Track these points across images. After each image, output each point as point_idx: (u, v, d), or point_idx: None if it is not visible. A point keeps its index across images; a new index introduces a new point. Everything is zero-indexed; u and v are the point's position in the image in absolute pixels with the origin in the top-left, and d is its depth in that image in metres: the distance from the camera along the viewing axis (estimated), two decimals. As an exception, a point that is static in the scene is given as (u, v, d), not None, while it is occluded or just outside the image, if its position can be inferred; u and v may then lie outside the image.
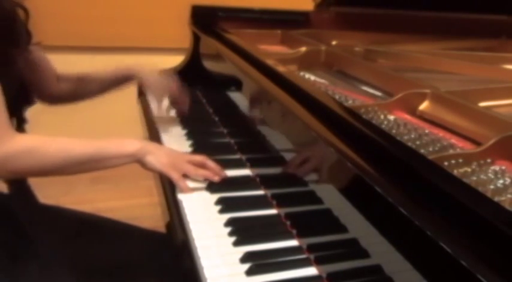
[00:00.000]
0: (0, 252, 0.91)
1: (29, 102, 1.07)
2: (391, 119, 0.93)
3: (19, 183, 1.06)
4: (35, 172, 0.94)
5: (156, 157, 0.96)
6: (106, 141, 0.95)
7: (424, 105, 0.97)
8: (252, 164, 1.07)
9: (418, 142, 0.82)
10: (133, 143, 0.96)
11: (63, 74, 1.24)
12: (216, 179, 0.97)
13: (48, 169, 0.89)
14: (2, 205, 1.01)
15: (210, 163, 0.99)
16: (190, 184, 0.97)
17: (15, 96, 0.97)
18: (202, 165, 0.99)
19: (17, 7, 0.96)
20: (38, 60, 1.11)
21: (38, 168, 0.88)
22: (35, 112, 1.13)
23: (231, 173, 1.02)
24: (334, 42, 1.53)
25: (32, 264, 0.92)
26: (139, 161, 0.96)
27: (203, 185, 0.98)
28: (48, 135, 0.94)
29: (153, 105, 1.45)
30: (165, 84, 1.27)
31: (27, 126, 1.08)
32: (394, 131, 0.87)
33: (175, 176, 0.96)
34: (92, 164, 0.92)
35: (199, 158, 1.00)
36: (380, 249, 0.66)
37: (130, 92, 1.66)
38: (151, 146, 0.99)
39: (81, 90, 1.28)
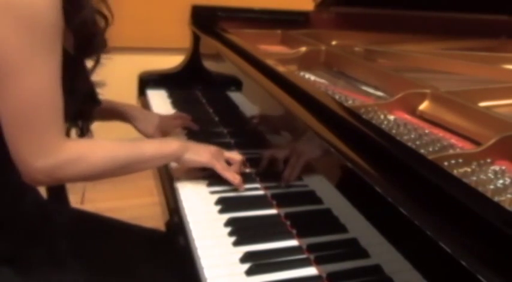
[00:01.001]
0: (32, 258, 0.90)
1: (96, 102, 1.05)
2: (391, 119, 0.93)
3: (58, 188, 1.04)
4: (78, 179, 0.89)
5: (196, 152, 0.97)
6: (147, 142, 0.97)
7: (424, 105, 0.97)
8: (252, 164, 1.07)
9: (418, 142, 0.82)
10: (172, 142, 0.98)
11: None
12: (242, 188, 0.97)
13: (92, 175, 0.86)
14: (41, 211, 0.99)
15: (237, 166, 1.00)
16: (191, 184, 0.97)
17: (85, 98, 0.95)
18: (233, 162, 1.00)
19: (96, 15, 0.93)
20: None
21: (83, 175, 0.85)
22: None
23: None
24: (334, 42, 1.53)
25: (53, 268, 0.91)
26: (179, 159, 0.96)
27: (203, 185, 0.98)
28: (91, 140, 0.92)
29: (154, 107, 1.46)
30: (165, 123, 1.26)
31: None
32: (394, 131, 0.87)
33: (219, 166, 0.97)
34: (134, 167, 0.91)
35: (237, 156, 1.01)
36: (380, 249, 0.66)
37: (130, 92, 1.66)
38: (190, 144, 1.00)
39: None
